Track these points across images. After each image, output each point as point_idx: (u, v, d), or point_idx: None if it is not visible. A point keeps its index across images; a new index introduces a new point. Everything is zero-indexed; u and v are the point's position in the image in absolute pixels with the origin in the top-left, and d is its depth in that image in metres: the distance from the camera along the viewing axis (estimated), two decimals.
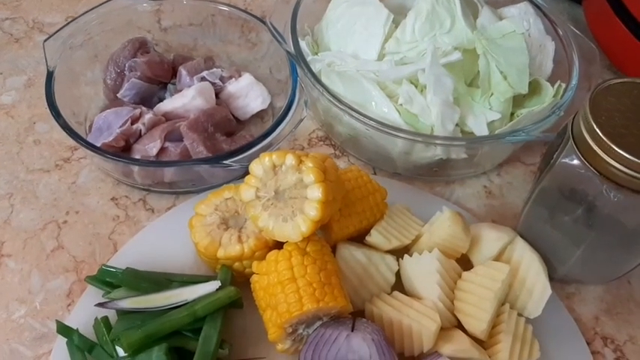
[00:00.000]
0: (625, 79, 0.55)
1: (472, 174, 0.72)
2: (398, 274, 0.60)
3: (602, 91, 0.54)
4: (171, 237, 0.63)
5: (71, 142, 0.71)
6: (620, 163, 0.50)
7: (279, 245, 0.56)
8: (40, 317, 0.58)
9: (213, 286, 0.55)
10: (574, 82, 0.67)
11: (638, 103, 0.53)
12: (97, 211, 0.66)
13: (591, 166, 0.52)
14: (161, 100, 0.72)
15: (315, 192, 0.52)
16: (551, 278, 0.60)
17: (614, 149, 0.50)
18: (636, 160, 0.49)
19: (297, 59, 0.67)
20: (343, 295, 0.54)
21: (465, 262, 0.61)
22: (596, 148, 0.51)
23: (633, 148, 0.49)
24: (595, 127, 0.51)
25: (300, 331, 0.54)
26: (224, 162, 0.61)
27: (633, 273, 0.66)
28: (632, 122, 0.52)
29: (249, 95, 0.73)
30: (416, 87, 0.65)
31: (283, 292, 0.53)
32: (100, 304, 0.54)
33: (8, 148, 0.70)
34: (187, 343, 0.53)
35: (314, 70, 0.67)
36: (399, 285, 0.59)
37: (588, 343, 0.61)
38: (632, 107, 0.53)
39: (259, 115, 0.75)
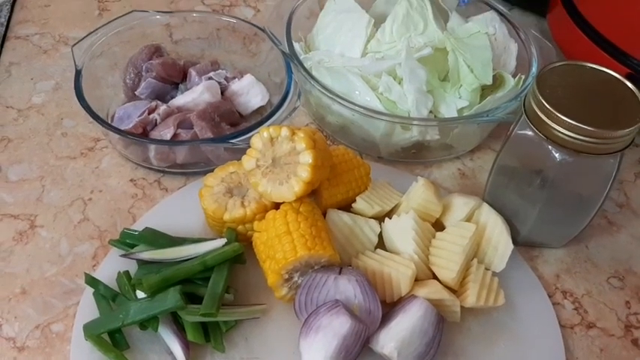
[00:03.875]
0: (568, 62, 0.65)
1: (447, 157, 0.81)
2: (380, 237, 0.68)
3: (547, 71, 0.64)
4: (183, 210, 0.72)
5: (94, 134, 0.82)
6: (562, 127, 0.59)
7: (276, 208, 0.65)
8: (69, 275, 0.67)
9: (220, 242, 0.64)
10: (533, 70, 0.78)
11: (579, 80, 0.63)
12: (118, 190, 0.75)
13: (540, 132, 0.62)
14: (173, 98, 0.82)
15: (306, 157, 0.61)
16: (516, 242, 0.69)
17: (557, 115, 0.59)
18: (575, 123, 0.58)
19: (291, 57, 0.78)
20: (332, 247, 0.62)
21: (440, 228, 0.70)
22: (542, 116, 0.61)
23: (573, 114, 0.59)
24: (541, 98, 0.61)
25: (295, 278, 0.62)
26: (230, 141, 0.70)
27: (590, 239, 0.75)
28: (572, 95, 0.61)
29: (250, 93, 0.83)
30: (394, 79, 0.75)
31: (280, 243, 0.61)
32: (124, 255, 0.63)
33: (39, 139, 0.80)
34: (198, 290, 0.62)
35: (306, 66, 0.77)
36: (381, 246, 0.68)
37: (550, 296, 0.69)
38: (572, 83, 0.63)
39: (259, 111, 0.85)
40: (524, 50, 0.84)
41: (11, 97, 0.85)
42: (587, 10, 0.90)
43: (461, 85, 0.77)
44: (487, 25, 0.84)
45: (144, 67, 0.81)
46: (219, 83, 0.83)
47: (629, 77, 0.63)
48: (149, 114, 0.76)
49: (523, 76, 0.79)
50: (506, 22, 0.86)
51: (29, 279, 0.66)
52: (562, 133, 0.60)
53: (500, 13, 0.87)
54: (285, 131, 0.62)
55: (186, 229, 0.70)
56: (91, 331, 0.59)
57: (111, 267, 0.66)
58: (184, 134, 0.75)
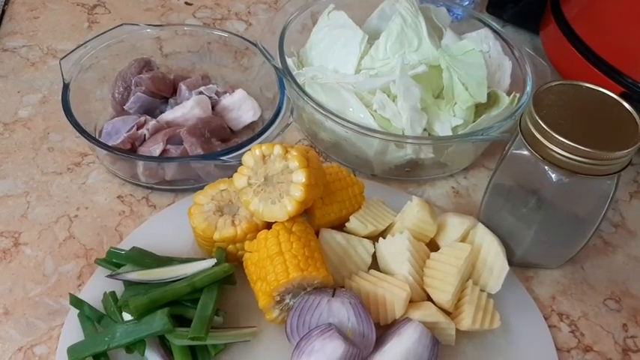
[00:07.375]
0: (564, 82, 0.64)
1: (441, 175, 0.80)
2: (374, 257, 0.67)
3: (544, 91, 0.63)
4: (171, 228, 0.70)
5: (81, 149, 0.80)
6: (559, 147, 0.58)
7: (268, 227, 0.64)
8: (53, 295, 0.65)
9: (209, 262, 0.62)
10: (528, 89, 0.77)
11: (574, 100, 0.62)
12: (105, 207, 0.73)
13: (536, 152, 0.61)
14: (163, 112, 0.81)
15: (300, 176, 0.60)
16: (511, 262, 0.68)
17: (553, 136, 0.58)
18: (572, 144, 0.57)
19: (284, 73, 0.76)
20: (325, 268, 0.61)
21: (434, 248, 0.69)
22: (539, 136, 0.60)
23: (569, 135, 0.58)
24: (537, 118, 0.60)
25: (287, 300, 0.61)
26: (221, 158, 0.69)
27: (586, 259, 0.74)
28: (568, 115, 0.61)
29: (241, 108, 0.82)
30: (388, 96, 0.74)
31: (272, 264, 0.60)
32: (111, 275, 0.61)
33: (25, 154, 0.78)
34: (186, 312, 0.60)
35: (299, 82, 0.76)
36: (375, 266, 0.66)
37: (546, 318, 0.68)
38: (569, 103, 0.62)
39: (251, 127, 0.84)
40: (518, 68, 0.83)
41: None
42: (580, 27, 0.90)
43: (455, 103, 0.76)
44: (481, 42, 0.83)
45: (133, 81, 0.80)
46: (210, 98, 0.81)
47: (623, 96, 0.63)
48: (138, 129, 0.74)
49: (518, 95, 0.78)
50: (500, 40, 0.86)
51: (12, 299, 0.64)
52: (559, 153, 0.59)
53: (494, 30, 0.87)
54: (277, 149, 0.61)
55: (175, 247, 0.68)
56: (75, 354, 0.57)
57: (96, 287, 0.64)
58: (174, 150, 0.73)
